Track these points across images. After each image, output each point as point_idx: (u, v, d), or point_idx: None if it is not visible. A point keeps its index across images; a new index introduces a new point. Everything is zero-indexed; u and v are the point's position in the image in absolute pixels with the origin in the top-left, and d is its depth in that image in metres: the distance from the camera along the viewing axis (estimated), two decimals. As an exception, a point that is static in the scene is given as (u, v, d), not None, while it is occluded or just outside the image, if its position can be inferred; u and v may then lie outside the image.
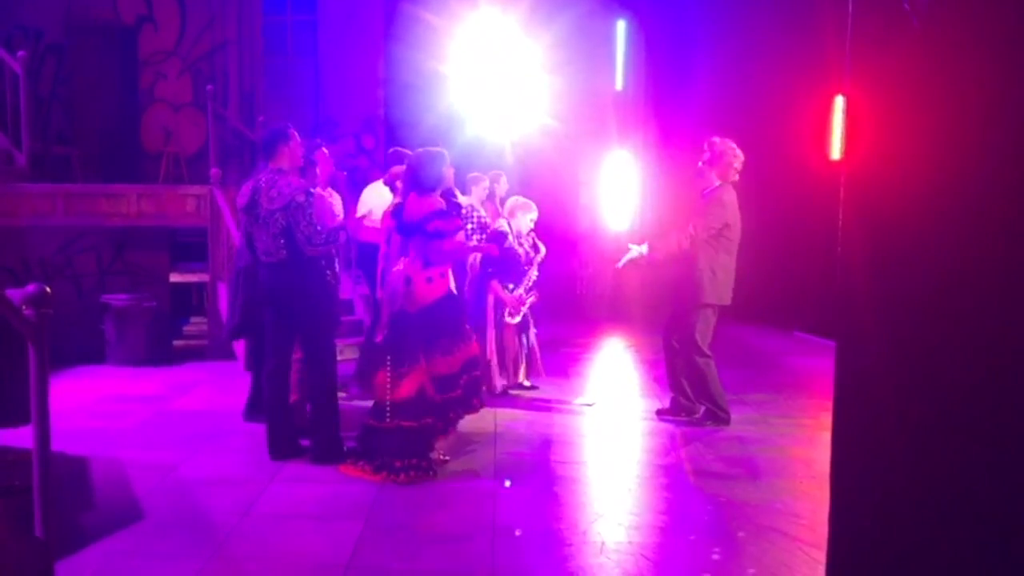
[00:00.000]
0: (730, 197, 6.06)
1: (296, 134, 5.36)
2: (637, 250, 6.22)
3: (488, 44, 10.80)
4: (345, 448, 5.36)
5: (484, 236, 7.11)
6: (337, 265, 5.74)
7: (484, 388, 6.78)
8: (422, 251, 5.15)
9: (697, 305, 6.08)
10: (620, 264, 6.38)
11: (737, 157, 6.04)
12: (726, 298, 6.13)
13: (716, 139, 6.12)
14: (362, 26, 12.04)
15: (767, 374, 8.20)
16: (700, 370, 6.13)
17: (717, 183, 6.04)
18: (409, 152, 7.08)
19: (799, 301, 10.18)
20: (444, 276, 5.27)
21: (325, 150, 6.72)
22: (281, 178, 5.15)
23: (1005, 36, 1.88)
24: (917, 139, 2.06)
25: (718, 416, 6.20)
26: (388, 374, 5.05)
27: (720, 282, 6.05)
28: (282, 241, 5.11)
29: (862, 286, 2.20)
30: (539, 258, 7.07)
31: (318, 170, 6.13)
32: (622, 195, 12.24)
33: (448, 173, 5.42)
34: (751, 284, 10.22)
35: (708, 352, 6.13)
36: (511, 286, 6.92)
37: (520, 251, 6.92)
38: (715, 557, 4.08)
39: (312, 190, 5.25)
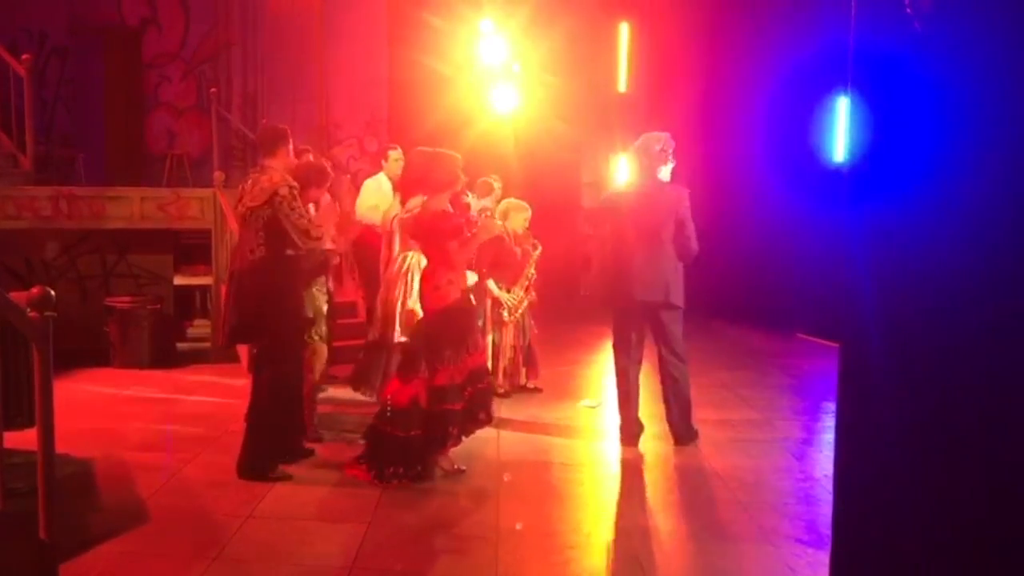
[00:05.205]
0: (621, 196, 5.97)
1: (287, 134, 5.19)
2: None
3: (492, 46, 10.79)
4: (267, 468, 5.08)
5: None
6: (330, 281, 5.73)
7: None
8: (431, 256, 5.13)
9: (609, 306, 5.91)
10: None
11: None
12: (617, 299, 5.71)
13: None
14: (366, 28, 12.06)
15: (769, 376, 8.18)
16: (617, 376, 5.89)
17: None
18: (394, 147, 7.07)
19: (801, 303, 10.15)
20: (452, 283, 5.04)
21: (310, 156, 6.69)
22: (263, 175, 5.09)
23: (1006, 38, 1.89)
24: (919, 140, 2.06)
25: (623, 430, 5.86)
26: (397, 380, 5.06)
27: (608, 282, 5.82)
28: (262, 235, 4.97)
29: (864, 287, 2.20)
30: (535, 256, 7.06)
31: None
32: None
33: (459, 175, 5.27)
34: (753, 285, 10.23)
35: (620, 362, 5.81)
36: (506, 287, 6.92)
37: (516, 251, 6.93)
38: (718, 559, 4.08)
39: (294, 185, 5.02)
